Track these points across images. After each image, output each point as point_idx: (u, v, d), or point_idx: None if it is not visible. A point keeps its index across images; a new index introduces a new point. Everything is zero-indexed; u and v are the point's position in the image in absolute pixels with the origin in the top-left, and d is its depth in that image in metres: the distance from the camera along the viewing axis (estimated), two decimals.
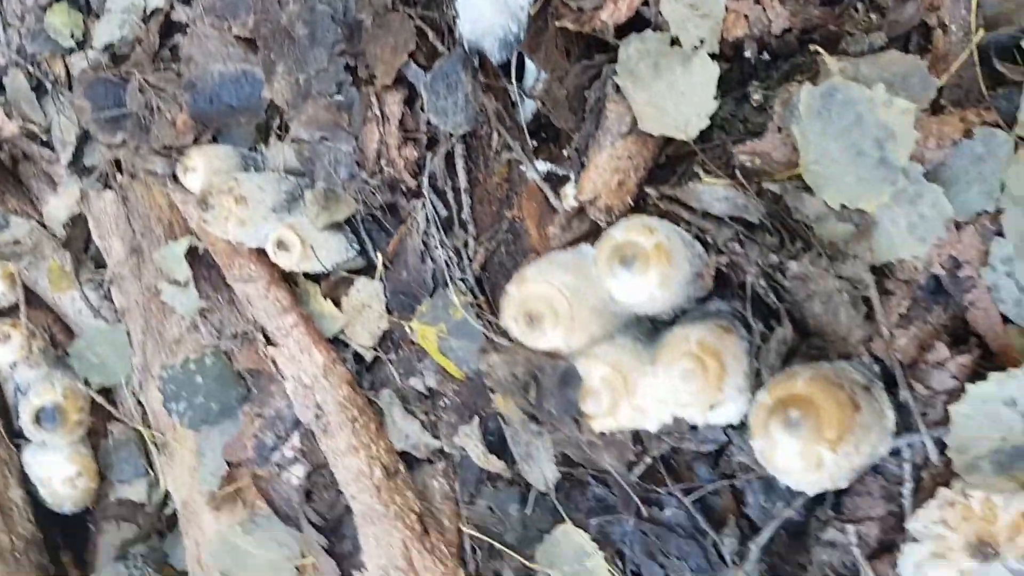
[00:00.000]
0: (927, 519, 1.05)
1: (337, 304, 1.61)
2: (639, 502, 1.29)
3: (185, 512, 1.69)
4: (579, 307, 1.04)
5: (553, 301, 1.04)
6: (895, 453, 1.12)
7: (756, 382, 1.05)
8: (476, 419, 1.45)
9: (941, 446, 1.09)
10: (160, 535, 1.82)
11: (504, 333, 1.15)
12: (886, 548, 1.12)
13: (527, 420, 1.23)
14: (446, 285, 1.47)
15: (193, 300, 1.69)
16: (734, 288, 1.11)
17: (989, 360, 1.10)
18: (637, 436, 1.22)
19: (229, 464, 1.62)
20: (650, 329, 1.10)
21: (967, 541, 1.02)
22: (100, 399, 1.79)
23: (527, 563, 1.42)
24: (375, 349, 1.58)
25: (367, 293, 1.59)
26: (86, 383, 1.80)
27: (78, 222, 1.91)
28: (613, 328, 1.09)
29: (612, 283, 1.02)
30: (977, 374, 1.07)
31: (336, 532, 1.53)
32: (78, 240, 1.94)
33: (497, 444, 1.45)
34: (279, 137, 1.62)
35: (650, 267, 1.00)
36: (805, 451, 0.94)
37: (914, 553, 1.05)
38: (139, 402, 1.80)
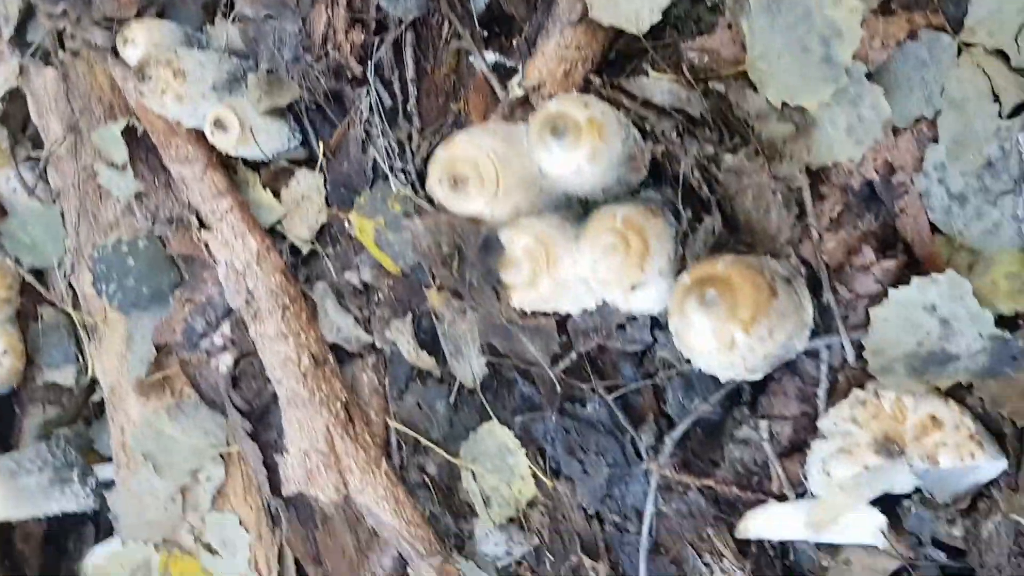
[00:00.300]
0: (838, 416, 1.07)
1: (276, 195, 1.57)
2: (562, 398, 1.29)
3: (112, 398, 1.66)
4: (506, 175, 1.02)
5: (480, 165, 1.02)
6: (813, 355, 1.12)
7: (680, 269, 1.04)
8: (409, 315, 1.43)
9: (859, 348, 1.09)
10: (87, 422, 1.79)
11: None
12: (797, 447, 1.13)
13: (451, 297, 1.21)
14: (387, 177, 1.44)
15: (129, 183, 1.64)
16: (668, 178, 1.10)
17: (915, 268, 1.10)
18: (563, 327, 1.21)
19: (157, 348, 1.59)
20: (580, 214, 1.09)
21: (874, 438, 1.03)
22: (30, 279, 1.75)
23: (451, 459, 1.42)
24: (312, 242, 1.55)
25: (307, 185, 1.55)
26: (16, 262, 1.76)
27: (16, 98, 1.84)
28: (541, 205, 1.07)
29: (543, 154, 1.00)
30: (901, 280, 1.07)
31: (262, 421, 1.52)
32: (16, 117, 1.87)
33: (429, 342, 1.44)
34: (224, 15, 1.56)
35: (581, 139, 0.98)
36: (718, 329, 0.94)
37: (822, 449, 1.07)
38: (71, 286, 1.76)
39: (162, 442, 1.57)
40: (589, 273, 1.02)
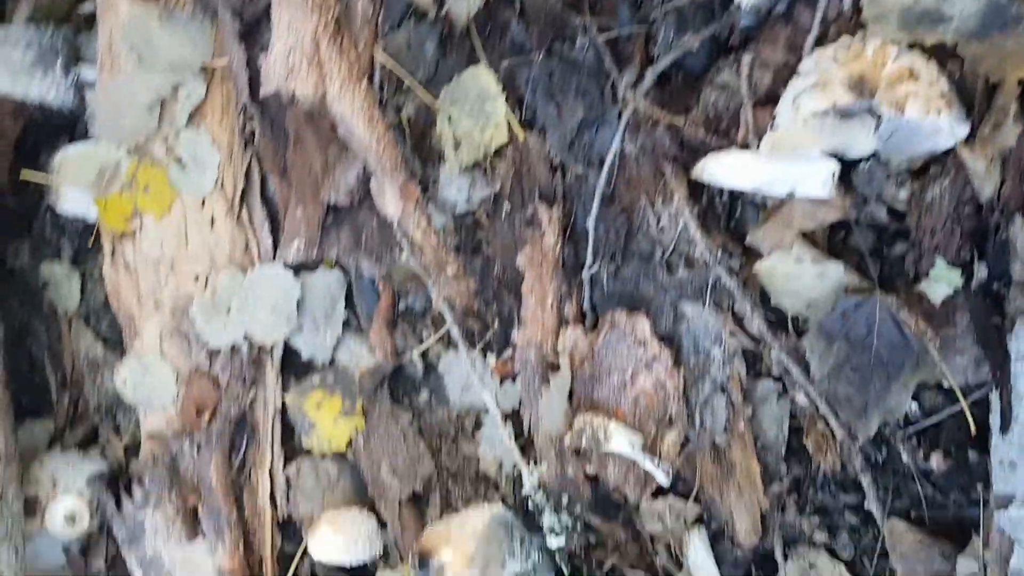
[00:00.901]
0: (820, 55, 1.07)
1: None
2: (553, 37, 1.29)
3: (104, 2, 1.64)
4: None
5: None
6: (810, 2, 1.12)
7: None
8: None
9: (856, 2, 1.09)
10: (75, 30, 1.77)
11: None
12: (772, 98, 1.14)
13: None
14: None
15: None
16: None
17: None
18: None
19: None
20: None
21: (849, 76, 1.04)
22: None
23: (430, 102, 1.42)
24: None
25: None
26: None
27: None
28: None
29: None
30: None
31: (252, 30, 1.51)
32: None
33: None
34: None
35: None
36: None
37: (797, 85, 1.08)
38: None
39: (150, 41, 1.56)
40: None
